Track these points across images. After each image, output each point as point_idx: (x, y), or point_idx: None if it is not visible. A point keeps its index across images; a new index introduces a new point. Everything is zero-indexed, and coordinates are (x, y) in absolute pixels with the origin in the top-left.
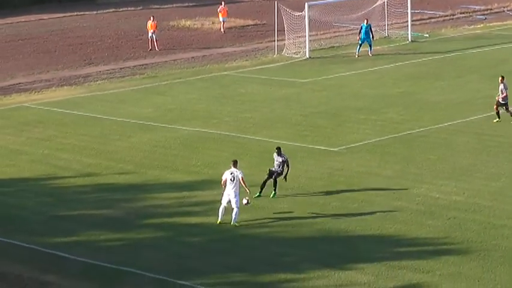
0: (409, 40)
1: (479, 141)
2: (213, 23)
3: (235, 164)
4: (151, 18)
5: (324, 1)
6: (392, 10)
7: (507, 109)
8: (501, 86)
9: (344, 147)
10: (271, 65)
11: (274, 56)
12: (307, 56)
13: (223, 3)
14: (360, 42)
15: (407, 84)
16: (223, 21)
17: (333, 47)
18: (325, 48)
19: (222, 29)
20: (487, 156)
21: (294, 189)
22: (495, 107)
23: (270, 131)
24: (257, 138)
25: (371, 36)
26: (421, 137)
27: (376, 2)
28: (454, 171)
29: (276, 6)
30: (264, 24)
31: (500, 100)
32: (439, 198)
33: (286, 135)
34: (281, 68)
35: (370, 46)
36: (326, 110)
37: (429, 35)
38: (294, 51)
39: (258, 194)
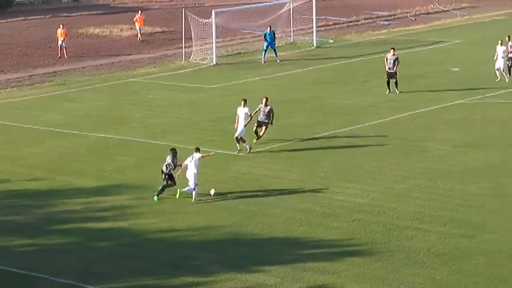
0: (314, 46)
1: (384, 144)
2: (121, 30)
3: (197, 150)
4: (61, 26)
5: (231, 8)
6: (298, 16)
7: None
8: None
9: (251, 151)
10: (179, 72)
11: (182, 62)
12: (215, 62)
13: (139, 12)
14: (264, 48)
15: (313, 89)
16: (140, 30)
17: (240, 53)
18: (232, 55)
19: (139, 37)
20: (392, 159)
21: (202, 193)
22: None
23: (177, 136)
24: (165, 143)
25: (275, 40)
26: (327, 140)
27: (281, 9)
28: (359, 174)
29: (183, 14)
30: (172, 31)
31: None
32: (344, 201)
33: (193, 140)
34: (189, 74)
35: (275, 52)
36: (233, 115)
37: (334, 41)
38: (202, 57)
39: (255, 140)
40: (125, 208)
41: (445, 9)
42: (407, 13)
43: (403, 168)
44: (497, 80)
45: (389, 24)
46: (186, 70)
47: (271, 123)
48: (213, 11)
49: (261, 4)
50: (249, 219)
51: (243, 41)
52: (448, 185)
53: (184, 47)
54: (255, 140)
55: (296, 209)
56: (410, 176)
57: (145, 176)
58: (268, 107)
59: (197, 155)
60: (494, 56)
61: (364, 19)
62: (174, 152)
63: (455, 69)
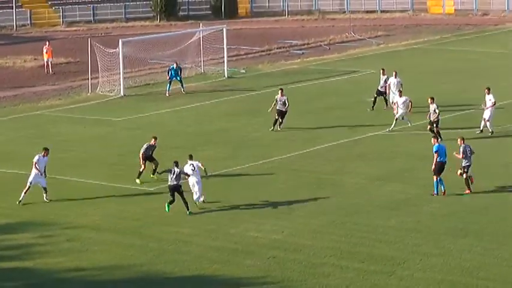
0: (226, 76)
1: (297, 178)
2: (25, 61)
3: (191, 157)
4: None
5: (139, 37)
6: (208, 46)
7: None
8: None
9: (160, 186)
10: (85, 104)
11: (88, 94)
12: (122, 94)
13: (47, 42)
14: (169, 80)
15: (224, 121)
16: (49, 62)
17: (149, 84)
18: (140, 86)
19: (47, 70)
20: (306, 194)
21: (110, 231)
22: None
23: (85, 171)
24: (72, 179)
25: (180, 75)
26: (239, 175)
27: (191, 38)
28: (273, 209)
29: (89, 43)
30: (78, 62)
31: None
32: (258, 237)
33: (101, 175)
34: (95, 106)
35: (182, 83)
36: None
37: (246, 71)
38: (109, 89)
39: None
40: (30, 246)
41: (361, 37)
42: (321, 42)
43: (318, 203)
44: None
45: (302, 53)
46: (93, 102)
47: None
48: (120, 40)
49: (170, 33)
50: (160, 257)
51: (152, 71)
52: (364, 219)
53: (91, 78)
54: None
55: (208, 246)
56: (325, 211)
57: (51, 212)
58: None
59: (197, 163)
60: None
61: (277, 48)
62: (177, 163)
63: (370, 99)
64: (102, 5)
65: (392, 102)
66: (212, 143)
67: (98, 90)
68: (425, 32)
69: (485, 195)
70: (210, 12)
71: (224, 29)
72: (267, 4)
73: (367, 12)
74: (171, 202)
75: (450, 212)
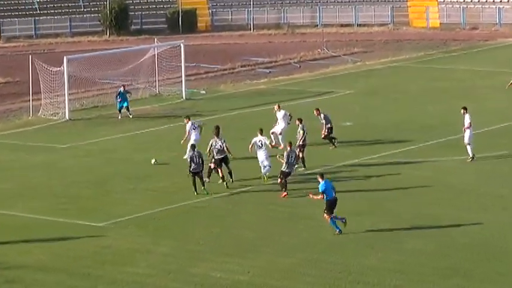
0: (184, 98)
1: (265, 212)
2: None
3: (261, 131)
4: None
5: (85, 54)
6: (164, 64)
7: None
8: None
9: (111, 221)
10: (26, 129)
11: (30, 118)
12: (67, 118)
13: None
14: (118, 106)
15: (181, 148)
16: None
17: (97, 106)
18: (88, 108)
19: None
20: (276, 229)
21: (56, 271)
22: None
23: (27, 203)
24: (12, 212)
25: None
26: (200, 208)
27: (144, 55)
28: (239, 246)
29: (30, 61)
30: (18, 81)
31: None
32: (220, 278)
33: (45, 209)
34: (37, 131)
35: (128, 108)
36: (90, 178)
37: (206, 92)
38: (52, 112)
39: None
40: None
41: (335, 54)
42: (290, 59)
43: (290, 239)
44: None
45: (269, 72)
46: (35, 127)
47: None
48: (64, 58)
49: (121, 49)
50: None
51: (101, 92)
52: (341, 258)
53: (32, 100)
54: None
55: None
56: (297, 247)
57: None
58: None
59: (264, 139)
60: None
61: (241, 66)
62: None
63: (347, 123)
64: (44, 18)
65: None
66: (168, 172)
67: (40, 114)
68: (407, 48)
69: (477, 229)
70: (165, 26)
71: (182, 45)
72: (230, 17)
73: (342, 26)
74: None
75: (436, 249)
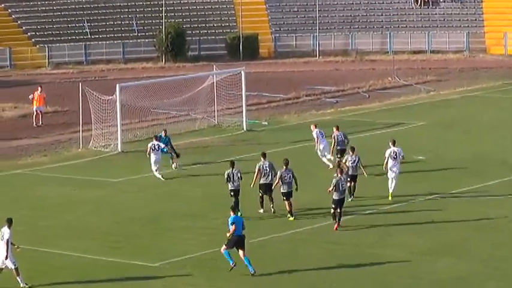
0: (244, 129)
1: (328, 251)
2: (2, 110)
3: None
4: None
5: (139, 82)
6: (223, 93)
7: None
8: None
9: (166, 261)
10: (76, 161)
11: (79, 150)
12: (120, 150)
13: (40, 88)
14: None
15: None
16: (39, 112)
17: (151, 138)
18: (141, 140)
19: (34, 122)
20: (339, 270)
21: None
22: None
23: (75, 242)
24: (59, 251)
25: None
26: (260, 247)
27: (203, 83)
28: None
29: (80, 89)
30: (67, 111)
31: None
32: None
33: (95, 248)
34: (88, 164)
35: (172, 153)
36: (143, 215)
37: (268, 123)
38: (104, 143)
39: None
40: None
41: (406, 83)
42: (359, 88)
43: (353, 283)
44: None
45: (336, 102)
46: (84, 160)
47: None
48: (117, 86)
49: (176, 77)
50: None
51: (155, 122)
52: None
53: (82, 131)
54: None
55: None
56: None
57: None
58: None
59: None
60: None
61: (306, 96)
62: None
63: (420, 157)
64: (95, 43)
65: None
66: (226, 210)
67: (90, 145)
68: (484, 76)
69: None
70: (225, 52)
71: (242, 72)
72: (294, 43)
73: (414, 52)
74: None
75: None
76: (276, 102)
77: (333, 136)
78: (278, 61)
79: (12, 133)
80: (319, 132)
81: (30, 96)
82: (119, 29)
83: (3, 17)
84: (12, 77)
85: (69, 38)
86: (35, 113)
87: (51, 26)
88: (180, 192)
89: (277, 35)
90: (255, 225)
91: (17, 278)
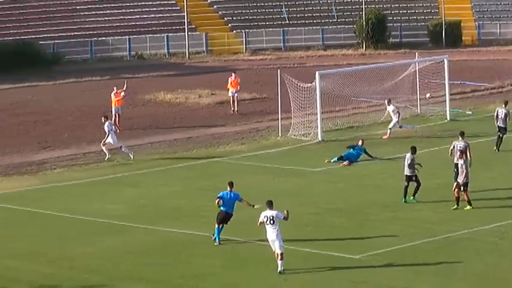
0: (448, 118)
1: None
2: (199, 96)
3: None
4: (115, 88)
5: (340, 69)
6: (426, 81)
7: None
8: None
9: (367, 254)
10: (274, 150)
11: (278, 138)
12: (320, 139)
13: (233, 74)
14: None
15: (446, 174)
16: (234, 97)
17: (352, 127)
18: (342, 129)
19: (232, 108)
20: None
21: None
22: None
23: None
24: (257, 242)
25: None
26: (466, 239)
27: (404, 72)
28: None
29: (279, 76)
30: (264, 98)
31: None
32: None
33: (294, 239)
34: (286, 153)
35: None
36: (344, 206)
37: (472, 112)
38: (303, 132)
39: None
40: None
41: None
42: None
43: None
44: None
45: None
46: (283, 148)
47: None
48: (316, 73)
49: (377, 64)
50: None
51: (356, 111)
52: None
53: (281, 119)
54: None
55: None
56: None
57: (235, 283)
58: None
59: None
60: None
61: (511, 85)
62: (414, 149)
63: None
64: (294, 28)
65: None
66: (430, 201)
67: (289, 134)
68: None
69: None
70: (427, 39)
71: (445, 60)
72: (498, 30)
73: None
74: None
75: None
76: (480, 92)
77: None
78: (482, 49)
79: (209, 120)
80: None
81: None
82: (318, 14)
83: (200, 1)
84: (209, 62)
85: (267, 23)
86: (231, 98)
87: (248, 11)
88: (384, 182)
89: (481, 22)
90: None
91: (278, 262)
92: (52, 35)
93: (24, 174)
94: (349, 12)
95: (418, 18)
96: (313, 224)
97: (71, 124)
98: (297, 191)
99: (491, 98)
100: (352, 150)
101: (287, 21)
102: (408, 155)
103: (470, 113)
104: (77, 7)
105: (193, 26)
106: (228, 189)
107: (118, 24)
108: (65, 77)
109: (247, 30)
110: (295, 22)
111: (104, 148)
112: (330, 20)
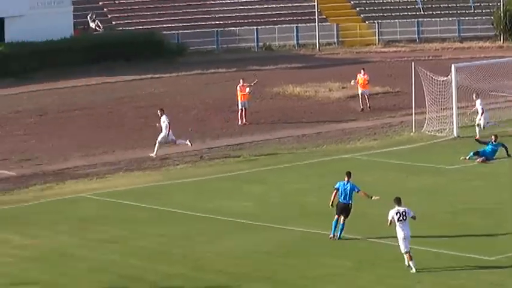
0: None
1: None
2: (330, 90)
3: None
4: (241, 81)
5: (477, 62)
6: None
7: None
8: None
9: (504, 255)
10: (407, 146)
11: (412, 134)
12: (455, 135)
13: (362, 71)
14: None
15: None
16: (365, 95)
17: (489, 122)
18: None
19: (361, 105)
20: None
21: None
22: None
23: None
24: (389, 242)
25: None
26: None
27: None
28: None
29: (413, 69)
30: (398, 92)
31: None
32: None
33: (429, 239)
34: (420, 149)
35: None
36: (481, 206)
37: None
38: (438, 128)
39: None
40: None
41: None
42: None
43: None
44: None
45: None
46: (417, 145)
47: None
48: (452, 66)
49: None
50: None
51: (493, 106)
52: None
53: (415, 114)
54: None
55: None
56: None
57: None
58: None
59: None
60: None
61: None
62: None
63: None
64: (429, 20)
65: None
66: None
67: (424, 130)
68: None
69: None
70: None
71: None
72: None
73: None
74: None
75: None
76: None
77: None
78: None
79: (340, 115)
80: None
81: (352, 82)
82: (454, 5)
83: None
84: (340, 54)
85: (401, 14)
86: (360, 96)
87: (381, 1)
88: None
89: None
90: None
91: (410, 262)
92: (176, 24)
93: (145, 170)
94: (487, 3)
95: None
96: (449, 224)
97: (194, 118)
98: (431, 190)
99: None
100: (486, 146)
101: (422, 12)
102: None
103: None
104: None
105: (324, 17)
106: (346, 179)
107: (245, 14)
108: (189, 68)
109: (380, 21)
110: (431, 13)
111: (157, 146)
112: (467, 11)
